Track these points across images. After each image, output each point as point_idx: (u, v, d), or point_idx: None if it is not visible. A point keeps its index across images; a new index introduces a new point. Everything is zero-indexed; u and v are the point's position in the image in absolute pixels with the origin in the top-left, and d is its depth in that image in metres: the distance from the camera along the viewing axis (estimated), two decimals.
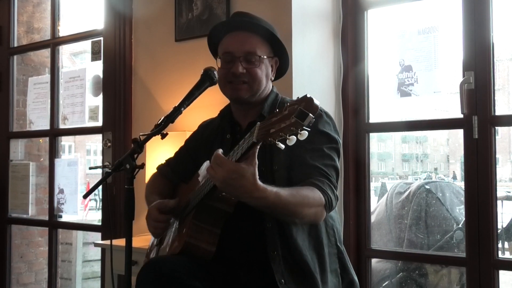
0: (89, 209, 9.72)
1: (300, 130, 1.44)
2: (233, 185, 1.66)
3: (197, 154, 2.26)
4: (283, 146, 1.49)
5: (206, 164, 2.08)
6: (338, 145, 2.02)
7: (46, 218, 4.33)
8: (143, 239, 3.03)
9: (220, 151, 1.72)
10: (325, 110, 2.07)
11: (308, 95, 1.47)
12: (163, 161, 2.45)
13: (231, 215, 1.93)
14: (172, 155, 2.45)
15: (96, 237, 4.08)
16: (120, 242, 2.76)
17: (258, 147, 1.60)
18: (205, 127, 2.34)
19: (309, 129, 1.45)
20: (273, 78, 2.16)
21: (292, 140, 1.46)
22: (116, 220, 3.64)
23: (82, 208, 9.20)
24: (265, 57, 2.09)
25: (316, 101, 1.46)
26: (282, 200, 1.74)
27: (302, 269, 1.92)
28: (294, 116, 1.44)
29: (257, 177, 1.65)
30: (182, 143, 2.47)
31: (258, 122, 1.56)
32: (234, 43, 2.09)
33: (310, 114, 1.43)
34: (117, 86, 3.73)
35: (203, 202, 1.92)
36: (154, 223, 2.10)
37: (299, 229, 1.94)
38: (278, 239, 1.93)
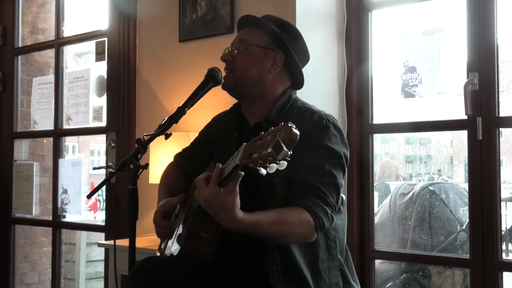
0: (101, 210, 9.67)
1: (279, 160, 1.42)
2: (212, 210, 1.67)
3: (210, 147, 2.26)
4: (264, 172, 1.46)
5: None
6: (342, 160, 1.94)
7: (50, 218, 4.33)
8: (146, 239, 3.03)
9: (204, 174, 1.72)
10: (334, 121, 1.99)
11: (289, 124, 1.44)
12: (180, 150, 2.45)
13: None
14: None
15: (100, 237, 4.08)
16: (124, 242, 2.76)
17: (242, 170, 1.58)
18: (218, 120, 2.31)
19: (289, 159, 1.42)
20: (274, 72, 2.06)
21: (272, 168, 1.44)
22: (119, 220, 3.65)
23: (87, 208, 9.21)
24: (256, 45, 2.05)
25: (296, 131, 1.43)
26: (262, 230, 1.72)
27: (302, 284, 1.90)
28: (271, 146, 1.41)
29: (237, 208, 1.64)
30: (186, 144, 2.47)
31: (244, 143, 1.54)
32: (234, 38, 2.14)
33: (285, 149, 1.40)
34: (121, 87, 3.73)
35: (201, 208, 1.92)
36: (158, 228, 2.14)
37: (296, 244, 1.91)
38: (278, 253, 1.90)
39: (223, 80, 2.09)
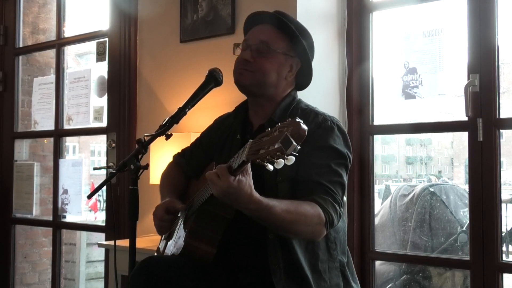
0: (101, 210, 9.64)
1: (287, 156, 1.42)
2: (231, 197, 1.65)
3: (211, 149, 2.25)
4: (271, 168, 1.46)
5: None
6: (347, 160, 1.97)
7: (50, 218, 4.33)
8: (147, 240, 3.03)
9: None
10: (338, 123, 2.02)
11: (297, 119, 1.45)
12: (179, 150, 2.45)
13: (232, 220, 1.93)
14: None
15: (100, 237, 4.08)
16: (124, 242, 2.76)
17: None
18: (221, 122, 2.31)
19: (297, 154, 1.42)
20: (289, 79, 2.09)
21: (279, 163, 1.43)
22: (120, 220, 3.64)
23: (87, 208, 9.20)
24: (279, 51, 2.04)
25: (304, 126, 1.43)
26: (276, 215, 1.71)
27: (304, 283, 1.90)
28: (279, 141, 1.41)
29: (253, 188, 1.65)
30: (186, 144, 2.47)
31: (250, 140, 1.54)
32: (253, 33, 2.10)
33: (294, 143, 1.40)
34: (121, 87, 3.73)
35: (204, 207, 1.92)
36: (159, 222, 2.12)
37: (297, 242, 1.92)
38: (280, 252, 1.90)
39: (237, 75, 2.07)
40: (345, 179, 1.96)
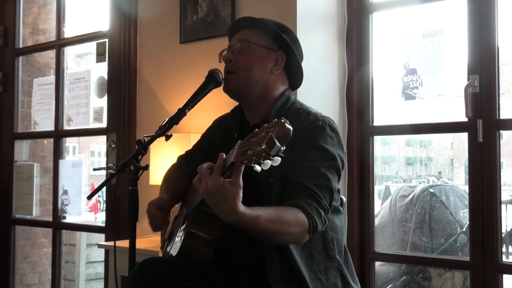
0: (101, 211, 9.62)
1: (273, 156, 1.41)
2: (213, 200, 1.63)
3: (211, 150, 2.24)
4: (259, 169, 1.44)
5: None
6: (337, 162, 1.93)
7: (50, 219, 4.34)
8: (147, 241, 3.03)
9: (206, 165, 1.69)
10: (330, 122, 1.99)
11: (282, 119, 1.43)
12: (182, 152, 2.45)
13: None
14: (175, 156, 2.45)
15: (100, 238, 4.08)
16: (124, 243, 2.76)
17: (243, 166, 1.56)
18: (219, 123, 2.32)
19: (283, 155, 1.41)
20: (276, 72, 2.08)
21: (266, 164, 1.42)
22: (120, 221, 3.64)
23: (87, 209, 9.19)
24: (259, 44, 2.06)
25: (288, 126, 1.41)
26: (260, 226, 1.69)
27: (301, 284, 1.90)
28: (264, 142, 1.40)
29: (239, 200, 1.61)
30: (186, 145, 2.47)
31: (239, 141, 1.53)
32: (233, 38, 2.14)
33: (278, 144, 1.38)
34: (121, 88, 3.73)
35: (201, 208, 1.92)
36: (152, 218, 2.15)
37: (293, 244, 1.90)
38: (276, 254, 1.90)
39: (224, 82, 2.08)
40: (335, 182, 1.92)
